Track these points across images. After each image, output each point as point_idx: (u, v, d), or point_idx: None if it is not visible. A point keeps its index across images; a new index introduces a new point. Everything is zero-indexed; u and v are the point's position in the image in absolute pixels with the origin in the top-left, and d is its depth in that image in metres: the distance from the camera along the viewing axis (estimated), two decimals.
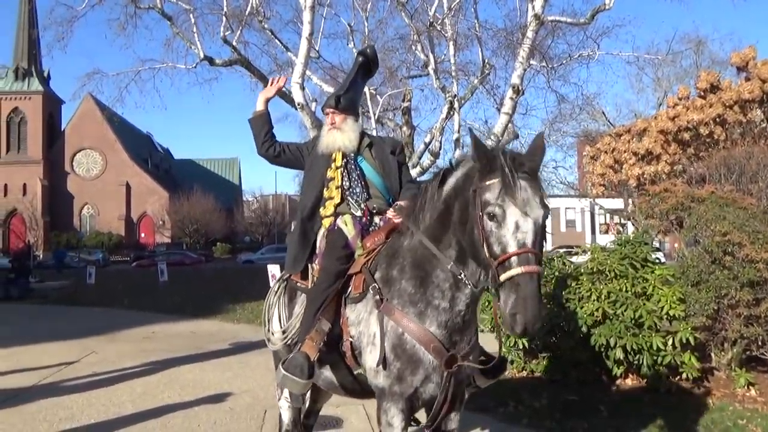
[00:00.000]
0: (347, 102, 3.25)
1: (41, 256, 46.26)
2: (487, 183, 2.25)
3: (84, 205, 60.07)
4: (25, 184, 56.89)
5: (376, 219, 3.14)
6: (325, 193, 3.17)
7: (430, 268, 2.58)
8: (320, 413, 5.05)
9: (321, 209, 3.18)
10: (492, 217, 2.20)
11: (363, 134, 3.32)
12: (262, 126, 3.38)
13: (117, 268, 38.55)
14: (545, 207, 2.25)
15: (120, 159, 60.25)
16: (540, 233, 2.25)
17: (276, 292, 3.45)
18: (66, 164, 59.82)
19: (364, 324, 2.71)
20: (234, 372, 7.03)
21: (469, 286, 2.50)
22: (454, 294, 2.55)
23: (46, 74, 59.56)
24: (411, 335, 2.54)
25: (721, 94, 17.24)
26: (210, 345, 8.87)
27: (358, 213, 3.12)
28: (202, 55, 11.40)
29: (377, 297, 2.64)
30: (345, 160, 3.18)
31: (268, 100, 3.44)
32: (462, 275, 2.48)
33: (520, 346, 6.15)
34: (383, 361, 2.55)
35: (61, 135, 60.29)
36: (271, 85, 3.54)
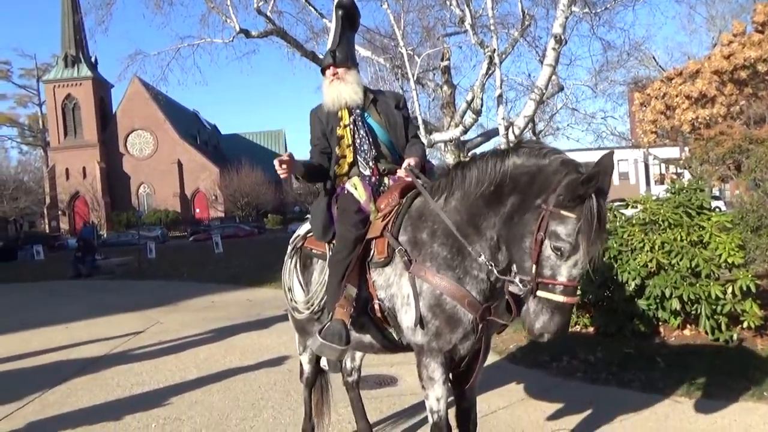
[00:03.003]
0: (343, 55, 3.19)
1: (105, 234, 48.57)
2: (564, 214, 2.21)
3: (140, 185, 62.28)
4: (84, 168, 59.32)
5: (386, 180, 3.11)
6: (337, 151, 3.14)
7: (462, 244, 2.59)
8: (376, 373, 5.22)
9: (335, 167, 3.15)
10: (557, 249, 2.23)
11: (366, 90, 3.25)
12: (310, 173, 3.19)
13: (176, 243, 40.08)
14: (605, 242, 2.27)
15: (170, 137, 61.88)
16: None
17: (290, 257, 3.41)
18: (120, 146, 61.93)
19: (395, 286, 2.72)
20: (290, 336, 7.18)
21: (496, 274, 2.51)
22: (491, 269, 2.56)
23: (93, 60, 61.26)
24: (448, 293, 2.56)
25: None
26: (266, 312, 9.16)
27: (367, 172, 3.09)
28: (238, 29, 11.42)
29: (405, 259, 2.65)
30: (353, 116, 3.13)
31: (290, 168, 3.00)
32: (491, 266, 2.51)
33: None
34: (420, 321, 2.59)
35: (113, 118, 62.28)
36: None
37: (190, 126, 65.81)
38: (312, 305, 3.17)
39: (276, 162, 2.91)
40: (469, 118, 11.51)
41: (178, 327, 8.34)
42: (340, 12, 3.29)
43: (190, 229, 51.32)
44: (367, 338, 2.97)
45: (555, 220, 2.22)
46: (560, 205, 2.22)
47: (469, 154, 12.26)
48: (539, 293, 2.26)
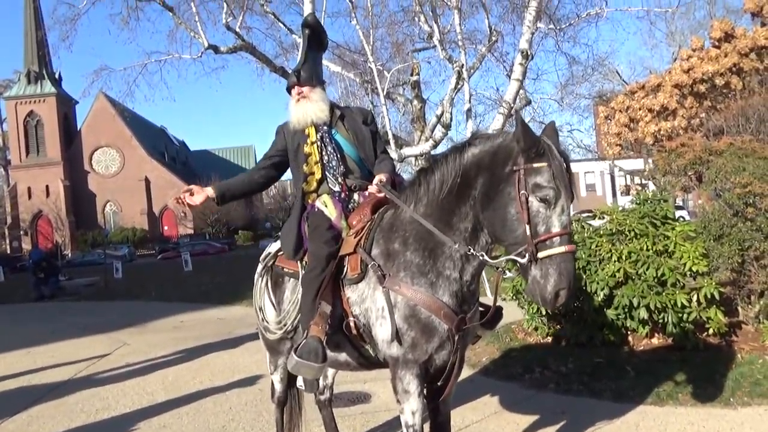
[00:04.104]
0: (307, 74, 3.20)
1: (70, 254, 47.30)
2: (536, 166, 2.33)
3: (106, 203, 61.08)
4: (47, 186, 57.93)
5: (355, 196, 3.11)
6: (305, 169, 3.13)
7: (441, 239, 2.60)
8: (349, 390, 5.16)
9: (304, 184, 3.14)
10: (544, 199, 2.30)
11: (333, 106, 3.26)
12: (233, 194, 3.37)
13: (144, 262, 39.27)
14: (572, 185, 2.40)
15: (137, 154, 60.94)
16: None
17: (261, 277, 3.37)
18: (85, 163, 60.72)
19: (369, 300, 2.72)
20: (262, 355, 7.03)
21: (479, 258, 2.55)
22: (464, 265, 2.61)
23: (57, 76, 60.13)
24: (423, 305, 2.57)
25: (736, 42, 16.76)
26: (237, 330, 9.01)
27: (336, 188, 3.09)
28: (206, 44, 11.38)
29: (379, 273, 2.65)
30: (319, 133, 3.13)
31: (204, 198, 3.34)
32: (471, 251, 2.54)
33: (543, 312, 6.15)
34: (396, 333, 2.58)
35: (78, 135, 61.06)
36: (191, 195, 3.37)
37: (158, 142, 64.95)
38: (284, 325, 3.13)
39: (172, 200, 3.03)
40: (439, 132, 11.63)
41: (146, 348, 8.13)
42: (306, 31, 3.30)
43: (159, 247, 50.40)
44: (343, 356, 2.94)
45: (531, 174, 2.34)
46: (530, 159, 2.34)
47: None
48: (540, 254, 2.29)
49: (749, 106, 8.58)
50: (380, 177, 2.96)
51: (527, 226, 2.31)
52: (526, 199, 2.31)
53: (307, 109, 3.14)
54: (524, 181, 2.32)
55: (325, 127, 3.16)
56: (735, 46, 16.47)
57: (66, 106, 61.22)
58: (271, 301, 3.27)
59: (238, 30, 11.48)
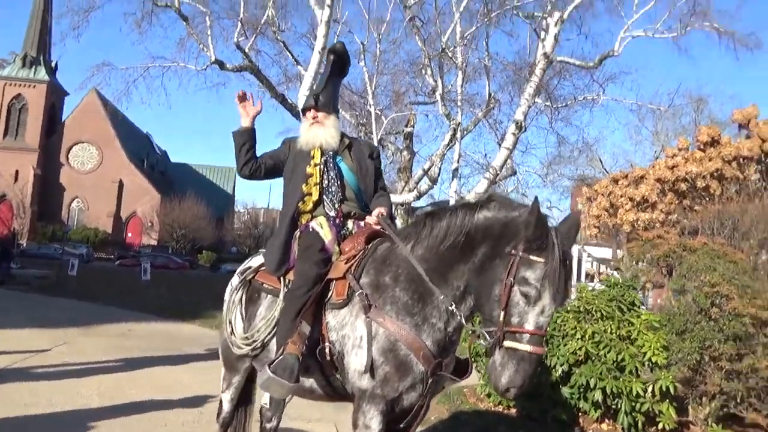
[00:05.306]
0: (326, 99, 3.24)
1: (25, 244, 45.73)
2: (533, 259, 2.29)
3: (74, 199, 59.57)
4: (17, 171, 56.41)
5: (350, 224, 3.11)
6: (304, 189, 3.12)
7: (429, 287, 2.59)
8: (294, 427, 4.98)
9: (300, 204, 3.12)
10: (525, 294, 2.28)
11: (343, 135, 3.29)
12: (246, 142, 3.20)
13: (100, 265, 38.10)
14: (569, 296, 2.36)
15: (116, 156, 60.00)
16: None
17: (236, 290, 3.29)
18: (62, 155, 59.50)
19: (348, 328, 2.67)
20: (207, 376, 6.86)
21: (459, 317, 2.53)
22: (449, 318, 2.59)
23: (54, 65, 59.61)
24: (404, 342, 2.53)
25: (721, 149, 17.62)
26: (186, 348, 8.72)
27: (332, 213, 3.08)
28: (213, 58, 11.46)
29: (365, 302, 2.62)
30: (324, 157, 3.14)
31: (255, 117, 3.26)
32: (460, 315, 2.53)
33: None
34: (370, 364, 2.53)
35: (61, 126, 60.09)
36: (256, 105, 3.32)
37: (140, 148, 64.19)
38: (253, 341, 3.04)
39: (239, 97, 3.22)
40: (424, 184, 11.78)
41: (88, 350, 7.79)
42: (331, 57, 3.35)
43: (118, 253, 49.02)
44: (309, 382, 2.86)
45: (524, 266, 2.29)
46: (529, 250, 2.29)
47: None
48: (506, 343, 2.26)
49: (726, 211, 8.93)
50: (380, 210, 3.00)
51: (502, 312, 2.29)
52: (511, 286, 2.29)
53: (319, 133, 3.17)
54: (516, 269, 2.29)
55: (331, 152, 3.17)
56: (720, 152, 17.31)
57: (56, 96, 60.39)
58: (242, 316, 3.19)
59: (247, 50, 11.61)
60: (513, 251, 2.33)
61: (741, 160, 17.26)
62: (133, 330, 10.32)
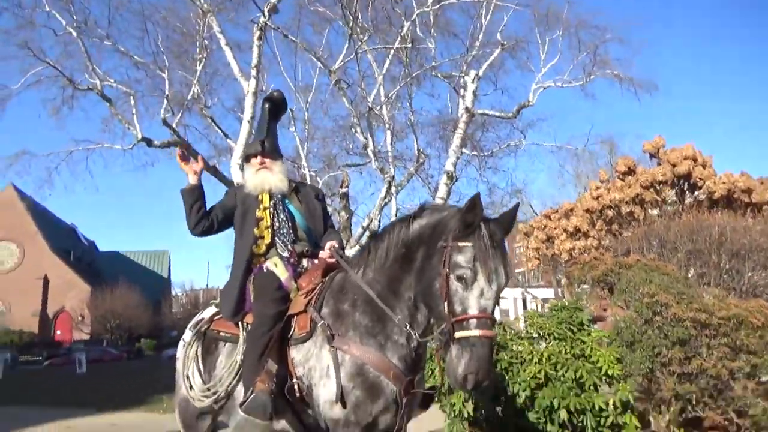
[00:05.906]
0: (270, 145, 3.34)
1: None
2: (461, 245, 2.38)
3: None
4: None
5: (304, 262, 3.18)
6: (256, 232, 3.16)
7: (381, 307, 2.64)
8: None
9: (254, 247, 3.15)
10: (460, 278, 2.34)
11: (290, 180, 3.40)
12: (196, 200, 3.22)
13: (28, 368, 35.32)
14: (508, 276, 2.40)
15: (39, 251, 56.89)
16: (498, 300, 2.41)
17: (190, 344, 3.24)
18: None
19: (314, 359, 2.67)
20: None
21: (415, 337, 2.59)
22: (410, 333, 2.63)
23: None
24: (371, 364, 2.55)
25: (638, 176, 19.06)
26: None
27: (285, 254, 3.13)
28: (140, 136, 11.34)
29: (328, 332, 2.63)
30: (273, 200, 3.21)
31: (199, 174, 3.29)
32: (412, 331, 2.58)
33: (465, 415, 6.07)
34: (340, 393, 2.51)
35: None
36: (197, 162, 3.40)
37: (65, 240, 61.25)
38: (215, 392, 2.97)
39: (179, 156, 3.25)
40: (365, 239, 11.85)
41: None
42: (267, 105, 3.46)
43: (47, 352, 45.70)
44: (281, 424, 2.80)
45: (455, 252, 2.37)
46: (458, 238, 2.39)
47: None
48: (456, 334, 2.29)
49: (651, 230, 9.59)
50: (332, 243, 3.06)
51: (446, 304, 2.34)
52: (447, 276, 2.36)
53: (267, 178, 3.25)
54: (449, 258, 2.37)
55: (279, 196, 3.24)
56: (637, 179, 18.75)
57: None
58: (200, 369, 3.11)
59: (174, 126, 11.59)
60: (444, 243, 2.43)
61: (657, 185, 18.64)
62: (72, 427, 9.58)
